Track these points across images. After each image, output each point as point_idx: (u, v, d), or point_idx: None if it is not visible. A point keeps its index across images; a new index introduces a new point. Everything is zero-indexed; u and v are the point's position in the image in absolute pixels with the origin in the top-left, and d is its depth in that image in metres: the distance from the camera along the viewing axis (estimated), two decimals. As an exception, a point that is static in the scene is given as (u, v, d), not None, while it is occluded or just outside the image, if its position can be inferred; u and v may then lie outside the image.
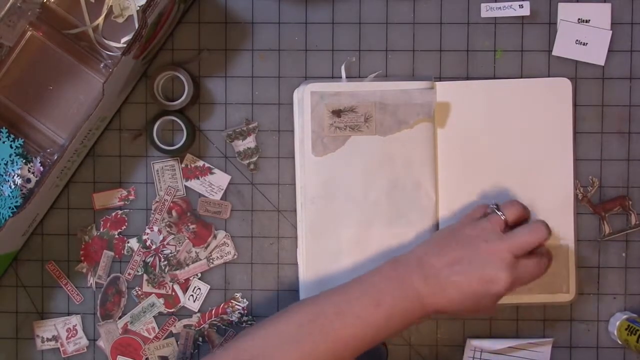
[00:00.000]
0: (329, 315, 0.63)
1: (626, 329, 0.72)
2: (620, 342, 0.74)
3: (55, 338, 0.78)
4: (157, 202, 0.77)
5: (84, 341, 0.78)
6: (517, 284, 0.63)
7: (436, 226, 0.75)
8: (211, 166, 0.77)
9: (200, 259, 0.77)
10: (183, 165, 0.77)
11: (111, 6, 0.75)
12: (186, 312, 0.77)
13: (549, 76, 0.76)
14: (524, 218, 0.67)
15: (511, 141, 0.75)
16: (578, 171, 0.76)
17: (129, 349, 0.77)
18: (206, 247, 0.77)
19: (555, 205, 0.75)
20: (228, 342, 0.66)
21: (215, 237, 0.77)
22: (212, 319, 0.77)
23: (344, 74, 0.76)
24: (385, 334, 0.63)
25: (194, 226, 0.77)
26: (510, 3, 0.75)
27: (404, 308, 0.63)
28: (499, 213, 0.65)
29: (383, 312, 0.63)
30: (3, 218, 0.72)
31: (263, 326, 0.64)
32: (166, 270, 0.77)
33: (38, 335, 0.78)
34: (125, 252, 0.77)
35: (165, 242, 0.77)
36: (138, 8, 0.74)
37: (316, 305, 0.64)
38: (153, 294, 0.77)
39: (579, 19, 0.75)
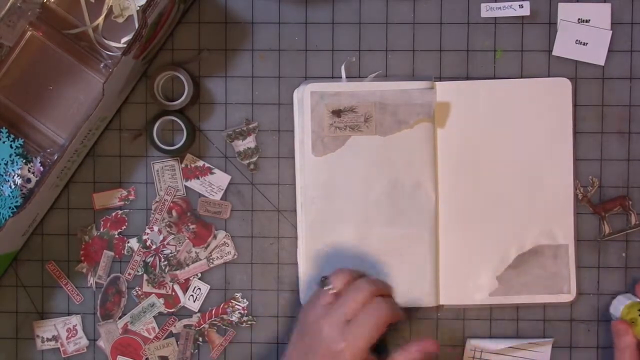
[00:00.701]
0: None
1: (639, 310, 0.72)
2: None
3: (55, 338, 0.78)
4: (157, 202, 0.77)
5: (84, 341, 0.78)
6: (359, 341, 0.63)
7: (436, 226, 0.75)
8: (211, 166, 0.77)
9: (200, 259, 0.77)
10: (183, 165, 0.77)
11: (111, 6, 0.75)
12: (186, 312, 0.77)
13: (549, 76, 0.76)
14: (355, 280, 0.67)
15: (511, 141, 0.75)
16: (578, 171, 0.76)
17: (129, 349, 0.77)
18: (206, 247, 0.77)
19: (555, 205, 0.75)
20: None
21: (215, 237, 0.77)
22: (212, 319, 0.77)
23: (344, 74, 0.76)
24: None
25: (194, 226, 0.77)
26: (510, 3, 0.75)
27: None
28: (327, 287, 0.66)
29: None
30: (3, 218, 0.72)
31: None
32: (166, 270, 0.77)
33: (38, 335, 0.78)
34: (125, 252, 0.77)
35: (165, 242, 0.77)
36: (138, 8, 0.74)
37: None
38: (153, 294, 0.77)
39: (579, 19, 0.75)
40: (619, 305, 0.73)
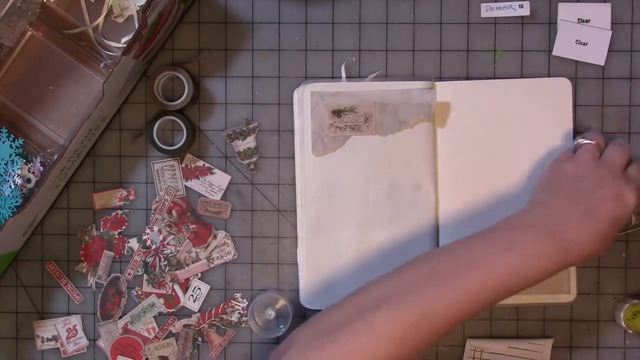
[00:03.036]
0: (455, 264, 0.60)
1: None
2: (624, 325, 0.73)
3: (55, 338, 0.78)
4: (157, 202, 0.77)
5: (84, 341, 0.78)
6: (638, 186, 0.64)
7: (436, 226, 0.74)
8: (211, 166, 0.77)
9: (200, 259, 0.77)
10: (183, 165, 0.77)
11: (111, 6, 0.75)
12: (186, 312, 0.77)
13: (549, 76, 0.76)
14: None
15: (511, 141, 0.75)
16: (578, 171, 0.76)
17: (129, 349, 0.77)
18: (206, 247, 0.77)
19: (555, 205, 0.75)
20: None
21: (215, 237, 0.77)
22: (212, 318, 0.77)
23: (344, 74, 0.76)
24: (522, 282, 0.60)
25: (194, 226, 0.77)
26: (510, 3, 0.75)
27: (539, 251, 0.59)
28: (591, 141, 0.69)
29: (516, 256, 0.59)
30: (3, 218, 0.72)
31: (388, 275, 0.63)
32: (166, 270, 0.77)
33: (38, 335, 0.78)
34: (125, 252, 0.77)
35: (165, 242, 0.77)
36: (138, 8, 0.75)
37: (439, 255, 0.62)
38: (153, 294, 0.77)
39: (579, 19, 0.75)
40: (624, 305, 0.74)
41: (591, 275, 0.76)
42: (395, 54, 0.76)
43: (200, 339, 0.77)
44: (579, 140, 0.71)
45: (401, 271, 0.63)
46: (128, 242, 0.77)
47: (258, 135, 0.77)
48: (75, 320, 0.78)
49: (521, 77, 0.76)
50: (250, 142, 0.77)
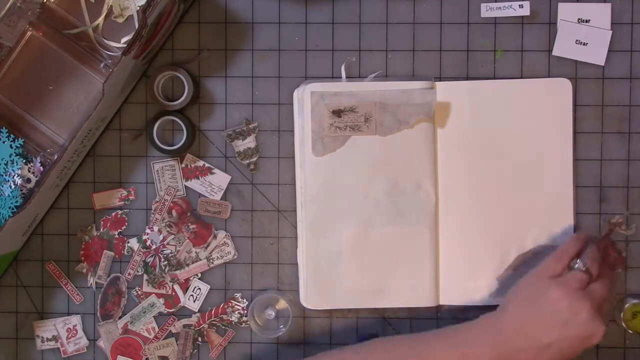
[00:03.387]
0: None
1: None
2: (624, 325, 0.73)
3: (55, 338, 0.78)
4: (157, 202, 0.77)
5: (84, 341, 0.78)
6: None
7: (436, 226, 0.75)
8: (211, 166, 0.77)
9: (200, 259, 0.77)
10: (183, 165, 0.77)
11: (111, 6, 0.75)
12: (186, 312, 0.77)
13: (549, 76, 0.76)
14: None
15: (511, 141, 0.75)
16: (578, 171, 0.76)
17: (129, 349, 0.77)
18: (206, 247, 0.77)
19: (555, 206, 0.75)
20: None
21: (215, 237, 0.77)
22: (212, 318, 0.77)
23: (344, 74, 0.76)
24: None
25: (194, 226, 0.77)
26: (510, 3, 0.75)
27: None
28: (583, 270, 0.66)
29: None
30: (3, 218, 0.72)
31: (342, 353, 0.67)
32: (166, 270, 0.77)
33: (38, 335, 0.78)
34: (125, 252, 0.77)
35: (165, 242, 0.77)
36: (138, 8, 0.75)
37: (400, 347, 0.65)
38: (153, 294, 0.77)
39: (579, 19, 0.75)
40: (624, 305, 0.73)
41: (591, 275, 0.76)
42: (395, 54, 0.76)
43: (200, 339, 0.77)
44: (575, 263, 0.67)
45: (360, 353, 0.66)
46: (128, 242, 0.77)
47: (258, 135, 0.77)
48: (75, 320, 0.78)
49: (521, 77, 0.76)
50: (250, 142, 0.77)
